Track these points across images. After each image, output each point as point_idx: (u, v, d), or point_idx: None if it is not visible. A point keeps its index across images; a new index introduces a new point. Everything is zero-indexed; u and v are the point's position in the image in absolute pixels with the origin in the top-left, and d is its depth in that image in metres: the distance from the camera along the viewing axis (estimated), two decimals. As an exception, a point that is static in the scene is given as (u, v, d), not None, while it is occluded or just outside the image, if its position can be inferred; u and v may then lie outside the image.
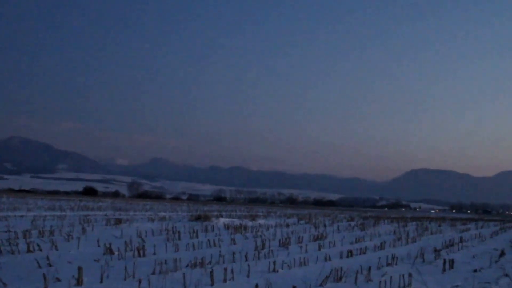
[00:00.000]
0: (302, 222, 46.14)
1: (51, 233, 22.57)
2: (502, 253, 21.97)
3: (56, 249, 17.07)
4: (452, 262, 16.80)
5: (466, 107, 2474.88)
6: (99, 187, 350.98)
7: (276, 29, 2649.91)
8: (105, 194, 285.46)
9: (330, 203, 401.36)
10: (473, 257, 21.16)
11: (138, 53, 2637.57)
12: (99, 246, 18.46)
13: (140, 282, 10.52)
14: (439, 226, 51.40)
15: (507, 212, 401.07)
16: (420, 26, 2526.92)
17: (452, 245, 25.78)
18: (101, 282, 11.50)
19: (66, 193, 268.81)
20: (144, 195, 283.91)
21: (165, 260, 14.09)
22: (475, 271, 16.31)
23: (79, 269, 11.27)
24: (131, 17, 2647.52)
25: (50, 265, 13.45)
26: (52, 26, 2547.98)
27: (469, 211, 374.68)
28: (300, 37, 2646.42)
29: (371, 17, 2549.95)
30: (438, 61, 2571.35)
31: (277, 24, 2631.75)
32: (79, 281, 11.13)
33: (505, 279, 14.68)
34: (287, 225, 38.88)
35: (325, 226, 40.67)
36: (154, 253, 16.82)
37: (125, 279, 11.94)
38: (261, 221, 42.19)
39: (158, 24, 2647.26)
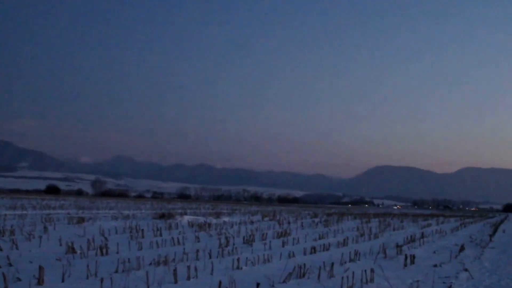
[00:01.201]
0: (266, 219, 46.29)
1: (12, 232, 22.27)
2: (462, 248, 22.38)
3: (17, 249, 16.87)
4: (413, 257, 17.05)
5: (428, 104, 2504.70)
6: (62, 186, 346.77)
7: (238, 28, 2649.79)
8: (68, 193, 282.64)
9: (295, 200, 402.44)
10: (434, 252, 21.52)
11: (101, 50, 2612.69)
12: (61, 245, 18.28)
13: (102, 281, 10.44)
14: (401, 222, 52.09)
15: (467, 208, 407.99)
16: (372, 26, 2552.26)
17: (413, 240, 26.16)
18: (62, 281, 11.39)
19: (28, 192, 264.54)
20: (108, 193, 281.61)
21: (128, 259, 14.02)
22: (435, 266, 16.59)
23: (40, 268, 11.15)
24: (90, 12, 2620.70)
25: (10, 265, 13.28)
26: (9, 22, 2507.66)
27: (430, 207, 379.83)
28: (262, 35, 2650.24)
29: (324, 18, 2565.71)
30: (397, 56, 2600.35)
31: (236, 24, 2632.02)
32: (40, 281, 11.00)
33: (465, 274, 14.95)
34: (252, 222, 39.00)
35: (289, 223, 40.88)
36: (117, 252, 16.73)
37: (87, 278, 11.84)
38: (226, 219, 42.21)
39: (122, 18, 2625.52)
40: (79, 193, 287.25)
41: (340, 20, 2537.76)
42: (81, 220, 32.36)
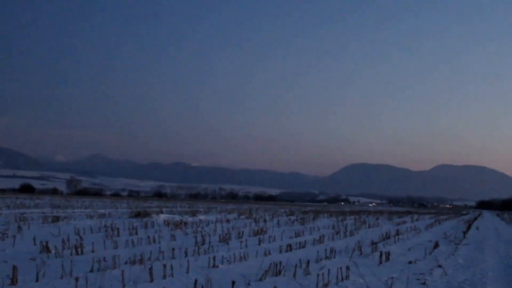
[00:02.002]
0: (242, 217, 46.29)
1: (-15, 232, 22.02)
2: (436, 245, 22.60)
3: (-10, 248, 16.69)
4: (388, 254, 17.17)
5: (402, 102, 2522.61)
6: (37, 184, 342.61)
7: (218, 27, 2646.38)
8: (43, 192, 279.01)
9: (271, 198, 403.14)
10: (409, 249, 21.69)
11: (75, 48, 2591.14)
12: (35, 244, 18.09)
13: (77, 280, 10.35)
14: (377, 219, 52.42)
15: (441, 205, 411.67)
16: (343, 28, 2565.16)
17: (388, 238, 26.38)
18: (36, 281, 11.29)
19: (2, 191, 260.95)
20: (83, 192, 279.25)
21: (104, 258, 13.95)
22: (410, 262, 16.72)
23: (14, 268, 11.05)
24: (61, 12, 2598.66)
25: (-16, 265, 13.14)
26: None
27: (405, 205, 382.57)
28: (241, 35, 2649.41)
29: (295, 18, 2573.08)
30: (369, 54, 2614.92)
31: (219, 24, 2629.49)
32: (13, 281, 10.90)
33: (439, 270, 15.09)
34: (228, 221, 38.97)
35: (265, 221, 40.93)
36: (93, 251, 16.61)
37: (61, 278, 11.75)
38: (202, 217, 42.10)
39: (92, 18, 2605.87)
40: (54, 192, 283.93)
41: (314, 21, 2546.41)
42: (56, 219, 32.08)
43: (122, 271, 11.43)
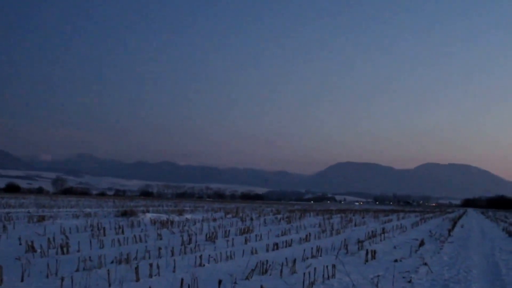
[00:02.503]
0: (229, 216, 46.26)
1: (-30, 231, 21.90)
2: (422, 243, 22.74)
3: (-25, 248, 16.59)
4: (374, 252, 17.25)
5: (388, 102, 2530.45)
6: (22, 184, 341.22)
7: (205, 27, 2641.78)
8: (28, 191, 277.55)
9: (257, 197, 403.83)
10: (394, 247, 21.78)
11: (63, 47, 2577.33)
12: (21, 244, 18.01)
13: (63, 280, 10.32)
14: (363, 218, 52.59)
15: (427, 203, 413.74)
16: (325, 27, 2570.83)
17: (374, 236, 26.46)
18: (22, 280, 11.24)
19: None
20: (69, 191, 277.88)
21: (90, 257, 13.91)
22: (396, 261, 16.80)
23: (-1, 267, 11.00)
24: (51, 11, 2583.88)
25: (-32, 265, 13.05)
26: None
27: (391, 203, 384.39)
28: (227, 36, 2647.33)
29: (277, 18, 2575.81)
30: (354, 53, 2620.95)
31: (203, 24, 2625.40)
32: (-1, 280, 10.86)
33: (424, 268, 15.19)
34: (214, 219, 38.94)
35: (252, 219, 40.95)
36: (78, 250, 16.55)
37: (47, 277, 11.71)
38: (188, 216, 42.04)
39: (81, 17, 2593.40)
40: (40, 191, 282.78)
41: (298, 20, 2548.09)
42: (41, 218, 31.89)
43: (108, 270, 11.40)
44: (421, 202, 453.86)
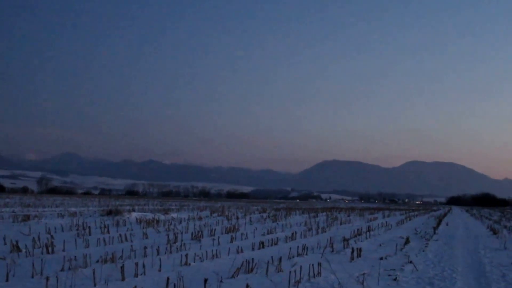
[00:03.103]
0: (215, 214, 46.22)
1: (-46, 231, 21.72)
2: (407, 241, 22.84)
3: (-41, 248, 16.47)
4: (360, 250, 17.32)
5: (373, 101, 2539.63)
6: (7, 183, 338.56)
7: (188, 30, 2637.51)
8: (13, 190, 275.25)
9: (243, 196, 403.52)
10: (380, 245, 21.88)
11: (46, 46, 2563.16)
12: (5, 244, 17.88)
13: (48, 279, 10.27)
14: (348, 216, 52.72)
15: (412, 201, 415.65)
16: (310, 27, 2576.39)
17: (360, 234, 26.57)
18: (6, 280, 11.18)
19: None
20: (54, 191, 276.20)
21: (75, 256, 13.84)
22: (381, 258, 16.88)
23: (-16, 268, 10.93)
24: (33, 9, 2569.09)
25: (-48, 265, 12.96)
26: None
27: (377, 201, 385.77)
28: (211, 36, 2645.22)
29: (258, 19, 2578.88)
30: (340, 53, 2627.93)
31: (185, 24, 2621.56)
32: (-17, 280, 10.79)
33: (409, 266, 15.28)
34: (200, 218, 38.89)
35: (237, 218, 40.94)
36: (64, 250, 16.47)
37: (32, 277, 11.65)
38: (174, 215, 41.99)
39: (64, 15, 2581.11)
40: (25, 191, 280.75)
41: (282, 19, 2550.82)
42: (26, 218, 31.71)
43: (94, 270, 11.37)
44: (406, 200, 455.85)
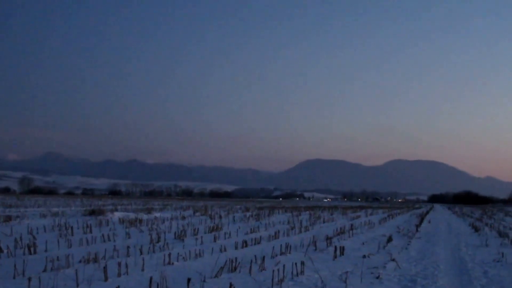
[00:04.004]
0: (198, 214, 46.18)
1: None
2: (390, 239, 22.97)
3: None
4: (342, 249, 17.39)
5: (355, 100, 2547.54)
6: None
7: (173, 26, 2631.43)
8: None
9: (226, 195, 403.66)
10: (363, 243, 21.97)
11: (27, 45, 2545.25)
12: (-14, 244, 17.76)
13: (30, 280, 10.21)
14: (331, 214, 52.88)
15: (395, 200, 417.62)
16: (290, 27, 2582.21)
17: (343, 232, 26.64)
18: (-12, 281, 11.12)
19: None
20: (36, 191, 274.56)
21: (57, 257, 13.76)
22: (364, 257, 16.95)
23: (-35, 269, 10.84)
24: (18, 11, 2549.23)
25: None
26: None
27: (360, 199, 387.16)
28: (196, 35, 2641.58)
29: (242, 18, 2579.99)
30: (323, 52, 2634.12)
31: (177, 27, 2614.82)
32: (-35, 282, 10.70)
33: (392, 264, 15.36)
34: (183, 218, 38.83)
35: (220, 217, 40.91)
36: (46, 250, 16.39)
37: (14, 278, 11.58)
38: (157, 214, 41.90)
39: (49, 15, 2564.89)
40: (6, 191, 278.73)
41: (264, 18, 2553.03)
42: (8, 218, 31.49)
43: (76, 270, 11.32)
44: (389, 198, 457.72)
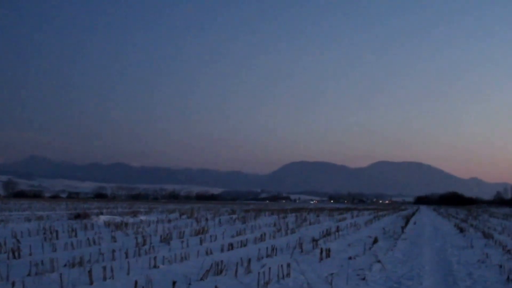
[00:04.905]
0: (184, 217, 46.08)
1: None
2: (375, 241, 23.03)
3: None
4: (328, 251, 17.41)
5: (340, 102, 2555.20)
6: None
7: (158, 30, 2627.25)
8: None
9: (213, 197, 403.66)
10: (349, 245, 22.02)
11: (12, 47, 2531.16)
12: (-30, 249, 17.63)
13: (13, 284, 10.16)
14: (317, 216, 52.98)
15: (381, 201, 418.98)
16: (271, 29, 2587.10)
17: (329, 234, 26.68)
18: (-29, 286, 11.03)
19: None
20: (21, 195, 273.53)
21: (42, 261, 13.68)
22: (350, 258, 16.99)
23: None
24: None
25: None
26: None
27: (346, 201, 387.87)
28: (181, 38, 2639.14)
29: (224, 22, 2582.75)
30: (305, 53, 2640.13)
31: (157, 26, 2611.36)
32: None
33: (378, 265, 15.40)
34: (169, 221, 38.74)
35: (207, 220, 40.84)
36: (30, 254, 16.27)
37: (-2, 282, 11.50)
38: (143, 217, 41.72)
39: (27, 16, 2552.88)
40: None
41: (246, 19, 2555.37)
42: (-9, 222, 31.31)
43: (61, 274, 11.26)
44: (374, 200, 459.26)
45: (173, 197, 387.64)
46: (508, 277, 13.61)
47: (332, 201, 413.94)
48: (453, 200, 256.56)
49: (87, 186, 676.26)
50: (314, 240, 22.14)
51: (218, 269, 13.32)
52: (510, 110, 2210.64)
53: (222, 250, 18.64)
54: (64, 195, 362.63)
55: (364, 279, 13.16)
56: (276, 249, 18.08)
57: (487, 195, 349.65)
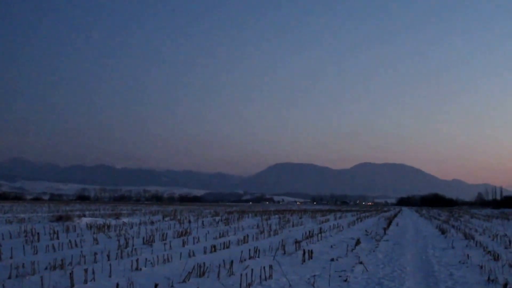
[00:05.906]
0: (167, 219, 46.03)
1: None
2: (358, 242, 23.11)
3: None
4: (311, 252, 17.46)
5: (322, 103, 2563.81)
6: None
7: (145, 30, 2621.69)
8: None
9: (196, 199, 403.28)
10: (331, 247, 22.10)
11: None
12: (-50, 252, 17.47)
13: (-6, 287, 10.09)
14: (300, 218, 53.15)
15: (363, 203, 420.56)
16: (257, 31, 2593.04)
17: (312, 236, 26.75)
18: (-49, 289, 10.93)
19: None
20: (2, 197, 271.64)
21: (23, 264, 13.61)
22: (332, 260, 17.06)
23: None
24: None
25: None
26: None
27: (328, 203, 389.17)
28: (168, 38, 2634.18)
29: (210, 22, 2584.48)
30: (286, 49, 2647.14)
31: (145, 27, 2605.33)
32: None
33: (360, 266, 15.46)
34: (152, 223, 38.67)
35: (189, 222, 40.83)
36: (11, 257, 16.15)
37: (-22, 285, 11.40)
38: (125, 220, 41.67)
39: (18, 17, 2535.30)
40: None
41: (231, 23, 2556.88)
42: (-28, 225, 31.07)
43: (42, 277, 11.20)
44: (357, 201, 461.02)
45: (156, 199, 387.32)
46: (488, 278, 13.71)
47: (315, 202, 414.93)
48: (435, 201, 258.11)
49: (70, 188, 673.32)
50: (297, 242, 22.18)
51: (201, 271, 13.32)
52: (491, 112, 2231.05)
53: (205, 252, 18.63)
54: (46, 197, 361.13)
55: (346, 280, 13.21)
56: (259, 251, 18.09)
57: (469, 196, 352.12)
